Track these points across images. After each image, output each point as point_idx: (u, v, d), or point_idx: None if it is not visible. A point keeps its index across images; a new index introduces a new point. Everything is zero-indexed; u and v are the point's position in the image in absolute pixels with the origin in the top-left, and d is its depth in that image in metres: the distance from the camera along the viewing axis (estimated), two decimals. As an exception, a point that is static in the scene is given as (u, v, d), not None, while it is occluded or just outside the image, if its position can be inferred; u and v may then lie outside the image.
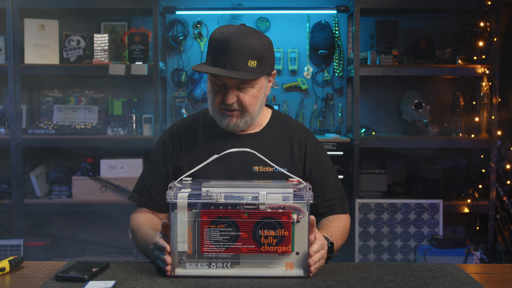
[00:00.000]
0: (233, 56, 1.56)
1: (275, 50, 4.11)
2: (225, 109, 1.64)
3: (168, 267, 1.39)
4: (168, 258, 1.39)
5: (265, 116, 1.78)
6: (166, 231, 1.44)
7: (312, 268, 1.40)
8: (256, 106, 1.66)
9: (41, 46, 3.62)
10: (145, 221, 1.69)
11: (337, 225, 1.69)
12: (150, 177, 1.76)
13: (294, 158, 1.72)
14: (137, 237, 1.67)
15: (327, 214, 1.74)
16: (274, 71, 1.71)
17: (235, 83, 1.60)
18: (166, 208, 1.73)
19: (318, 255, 1.42)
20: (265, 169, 1.67)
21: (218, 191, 1.37)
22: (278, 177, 1.65)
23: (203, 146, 1.71)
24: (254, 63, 1.58)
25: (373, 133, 3.67)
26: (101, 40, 3.63)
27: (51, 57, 3.63)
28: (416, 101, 3.66)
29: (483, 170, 3.67)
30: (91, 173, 3.59)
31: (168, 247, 1.40)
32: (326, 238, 1.53)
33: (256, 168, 1.67)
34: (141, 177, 1.79)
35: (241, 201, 1.37)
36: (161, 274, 1.42)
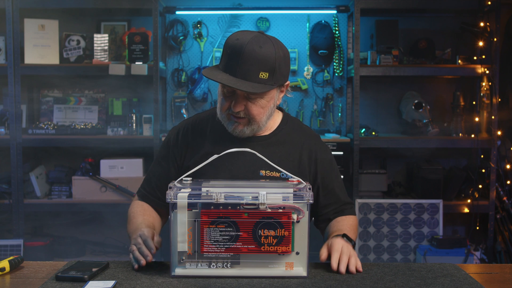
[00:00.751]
0: (245, 65, 1.53)
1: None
2: (232, 115, 1.63)
3: (143, 262, 1.43)
4: (150, 257, 1.43)
5: (275, 120, 1.77)
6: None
7: (352, 268, 1.45)
8: (264, 116, 1.64)
9: (41, 46, 3.62)
10: (142, 211, 1.72)
11: (347, 222, 1.71)
12: (155, 173, 1.78)
13: (301, 165, 1.71)
14: (130, 224, 1.69)
15: (337, 216, 1.76)
16: (288, 82, 1.67)
17: (244, 92, 1.58)
18: (167, 204, 1.74)
19: (344, 258, 1.46)
20: (272, 173, 1.66)
21: (218, 191, 1.37)
22: None
23: (211, 147, 1.70)
24: (266, 75, 1.55)
25: (373, 133, 3.67)
26: (101, 40, 3.63)
27: (51, 57, 3.63)
28: (416, 101, 3.66)
29: (483, 170, 3.67)
30: (91, 173, 3.59)
31: (154, 250, 1.45)
32: (345, 235, 1.56)
33: (263, 172, 1.66)
34: (148, 172, 1.81)
35: (241, 201, 1.37)
36: (140, 269, 1.42)
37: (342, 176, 1.86)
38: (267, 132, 1.74)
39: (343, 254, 1.47)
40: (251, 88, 1.53)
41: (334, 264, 1.44)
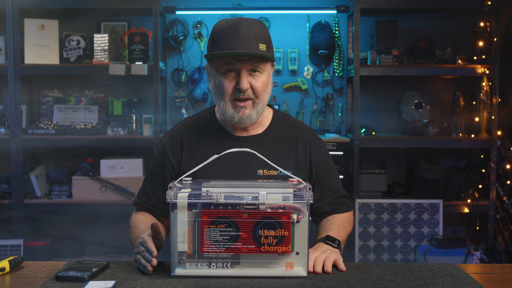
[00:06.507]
0: (245, 39, 1.55)
1: (275, 50, 4.08)
2: (238, 99, 1.61)
3: (150, 268, 1.40)
4: (154, 261, 1.40)
5: (267, 116, 1.76)
6: (155, 233, 1.44)
7: (318, 269, 1.44)
8: (267, 94, 1.65)
9: (41, 46, 3.62)
10: (143, 219, 1.70)
11: (336, 220, 1.72)
12: (150, 182, 1.75)
13: (298, 160, 1.70)
14: (133, 233, 1.68)
15: (334, 212, 1.75)
16: (274, 62, 1.71)
17: (248, 67, 1.59)
18: (166, 212, 1.73)
19: (317, 260, 1.46)
20: (269, 172, 1.64)
21: (218, 191, 1.37)
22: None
23: (205, 150, 1.68)
24: (264, 46, 1.58)
25: (373, 133, 3.67)
26: (101, 40, 3.63)
27: (51, 57, 3.63)
28: (416, 101, 3.66)
29: (483, 170, 3.67)
30: (91, 173, 3.59)
31: (155, 252, 1.41)
32: (328, 237, 1.58)
33: (260, 171, 1.65)
34: (143, 181, 1.79)
35: (241, 201, 1.37)
36: (143, 272, 1.42)
37: (342, 176, 1.86)
38: (260, 129, 1.73)
39: (318, 258, 1.47)
40: (260, 53, 1.56)
41: (309, 268, 1.43)
